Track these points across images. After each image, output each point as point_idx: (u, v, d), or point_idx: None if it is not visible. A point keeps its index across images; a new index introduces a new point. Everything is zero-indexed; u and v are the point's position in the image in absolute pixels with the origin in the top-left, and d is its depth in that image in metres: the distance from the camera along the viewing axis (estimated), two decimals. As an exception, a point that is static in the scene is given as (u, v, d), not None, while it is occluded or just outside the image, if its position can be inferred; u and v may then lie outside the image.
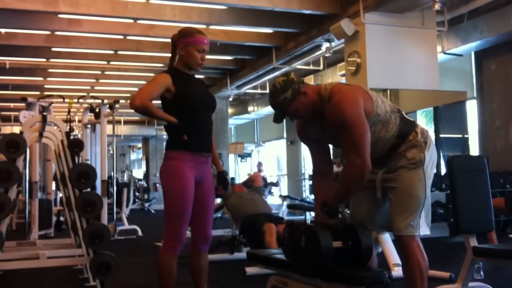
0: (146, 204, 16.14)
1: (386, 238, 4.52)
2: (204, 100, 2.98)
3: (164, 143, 3.13)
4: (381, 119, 2.60)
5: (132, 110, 2.75)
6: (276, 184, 14.01)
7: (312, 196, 12.51)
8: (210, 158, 3.02)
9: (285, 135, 15.27)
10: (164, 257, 2.87)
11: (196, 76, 3.13)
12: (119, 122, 15.13)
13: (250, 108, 14.89)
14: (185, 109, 2.87)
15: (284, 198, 10.25)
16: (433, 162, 2.68)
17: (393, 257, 4.42)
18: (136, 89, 12.21)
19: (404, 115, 2.71)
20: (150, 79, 3.06)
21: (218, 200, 6.78)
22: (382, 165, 2.67)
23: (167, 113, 2.85)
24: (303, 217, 9.68)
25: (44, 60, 9.96)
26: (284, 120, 2.74)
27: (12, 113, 14.57)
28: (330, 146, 2.86)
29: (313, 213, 8.88)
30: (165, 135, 3.77)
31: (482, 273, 3.94)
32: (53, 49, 9.06)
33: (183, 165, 2.86)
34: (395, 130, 2.62)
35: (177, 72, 2.93)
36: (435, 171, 2.78)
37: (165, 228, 2.89)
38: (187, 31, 2.97)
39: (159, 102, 2.94)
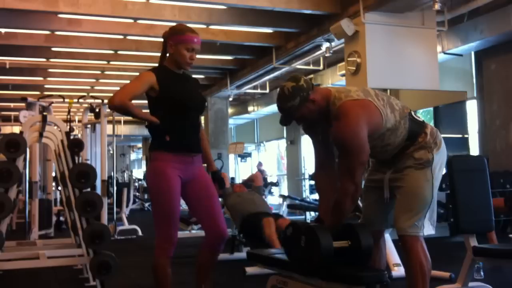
0: (146, 204, 16.11)
1: (386, 238, 4.51)
2: (191, 100, 2.85)
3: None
4: (390, 128, 2.58)
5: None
6: (276, 184, 14.00)
7: (312, 196, 12.53)
8: (197, 157, 2.91)
9: (285, 135, 15.26)
10: (159, 260, 2.83)
11: (195, 76, 3.07)
12: (119, 122, 15.16)
13: (250, 108, 14.88)
14: (168, 108, 2.77)
15: (284, 198, 10.24)
16: (442, 163, 2.68)
17: (393, 257, 4.41)
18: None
19: (414, 115, 2.68)
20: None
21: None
22: (390, 165, 2.67)
23: (152, 112, 2.77)
24: (303, 217, 9.70)
25: (44, 60, 9.97)
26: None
27: (12, 113, 14.59)
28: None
29: (313, 213, 8.93)
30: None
31: (482, 273, 3.95)
32: (53, 49, 9.06)
33: (167, 166, 2.76)
34: (404, 134, 2.62)
35: (164, 70, 2.85)
36: (444, 172, 2.77)
37: (156, 231, 2.84)
38: (178, 28, 2.87)
39: (146, 101, 2.85)
